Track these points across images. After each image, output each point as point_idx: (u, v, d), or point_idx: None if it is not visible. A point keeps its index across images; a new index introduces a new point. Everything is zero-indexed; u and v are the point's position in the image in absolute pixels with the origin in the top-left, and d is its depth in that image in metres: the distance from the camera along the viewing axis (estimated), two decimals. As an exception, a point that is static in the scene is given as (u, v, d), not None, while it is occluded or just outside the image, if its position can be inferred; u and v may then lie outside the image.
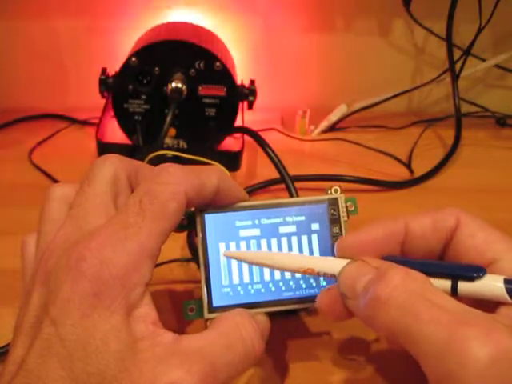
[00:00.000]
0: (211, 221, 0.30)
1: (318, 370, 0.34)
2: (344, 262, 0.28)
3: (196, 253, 0.42)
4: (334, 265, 0.28)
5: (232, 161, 0.52)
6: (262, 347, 0.27)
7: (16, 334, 0.24)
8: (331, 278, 0.28)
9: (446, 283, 0.27)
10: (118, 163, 0.27)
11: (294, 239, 0.31)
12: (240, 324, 0.26)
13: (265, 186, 0.52)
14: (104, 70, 0.52)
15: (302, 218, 0.31)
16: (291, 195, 0.43)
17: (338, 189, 0.32)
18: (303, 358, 0.34)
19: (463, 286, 0.26)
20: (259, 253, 0.30)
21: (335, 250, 0.30)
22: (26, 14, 0.64)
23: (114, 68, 0.51)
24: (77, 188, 0.27)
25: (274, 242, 0.31)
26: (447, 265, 0.28)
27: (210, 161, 0.43)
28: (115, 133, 0.53)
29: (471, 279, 0.26)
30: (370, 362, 0.34)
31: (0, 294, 0.38)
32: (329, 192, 0.32)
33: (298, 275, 0.31)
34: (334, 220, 0.31)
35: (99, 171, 0.27)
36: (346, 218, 0.32)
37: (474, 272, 0.26)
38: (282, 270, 0.30)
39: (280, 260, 0.29)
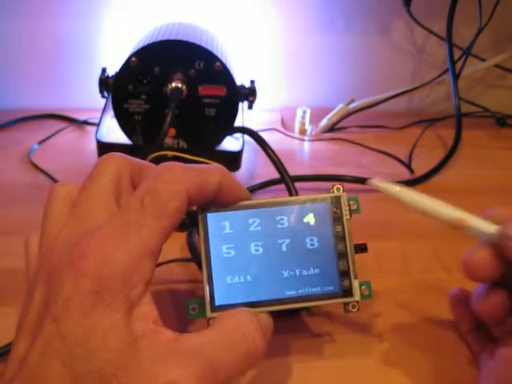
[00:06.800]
0: (213, 220, 0.30)
1: (318, 370, 0.34)
2: (494, 225, 0.30)
3: (195, 252, 0.42)
4: (485, 224, 0.30)
5: (232, 161, 0.52)
6: (264, 347, 0.26)
7: (18, 332, 0.24)
8: (478, 234, 0.30)
9: None
10: (120, 162, 0.27)
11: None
12: (242, 323, 0.26)
13: (265, 185, 0.52)
14: (104, 70, 0.52)
15: None
16: (291, 195, 0.42)
17: (341, 187, 0.32)
18: (303, 358, 0.34)
19: None
20: (413, 193, 0.31)
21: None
22: (27, 15, 0.64)
23: (113, 68, 0.51)
24: (80, 187, 0.27)
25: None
26: None
27: (210, 161, 0.43)
28: (115, 133, 0.53)
29: None
30: (371, 361, 0.34)
31: (0, 294, 0.38)
32: (331, 191, 0.32)
33: (303, 273, 0.30)
34: (337, 218, 0.31)
35: (102, 170, 0.27)
36: (348, 217, 0.31)
37: None
38: (432, 215, 0.31)
39: (434, 205, 0.30)
